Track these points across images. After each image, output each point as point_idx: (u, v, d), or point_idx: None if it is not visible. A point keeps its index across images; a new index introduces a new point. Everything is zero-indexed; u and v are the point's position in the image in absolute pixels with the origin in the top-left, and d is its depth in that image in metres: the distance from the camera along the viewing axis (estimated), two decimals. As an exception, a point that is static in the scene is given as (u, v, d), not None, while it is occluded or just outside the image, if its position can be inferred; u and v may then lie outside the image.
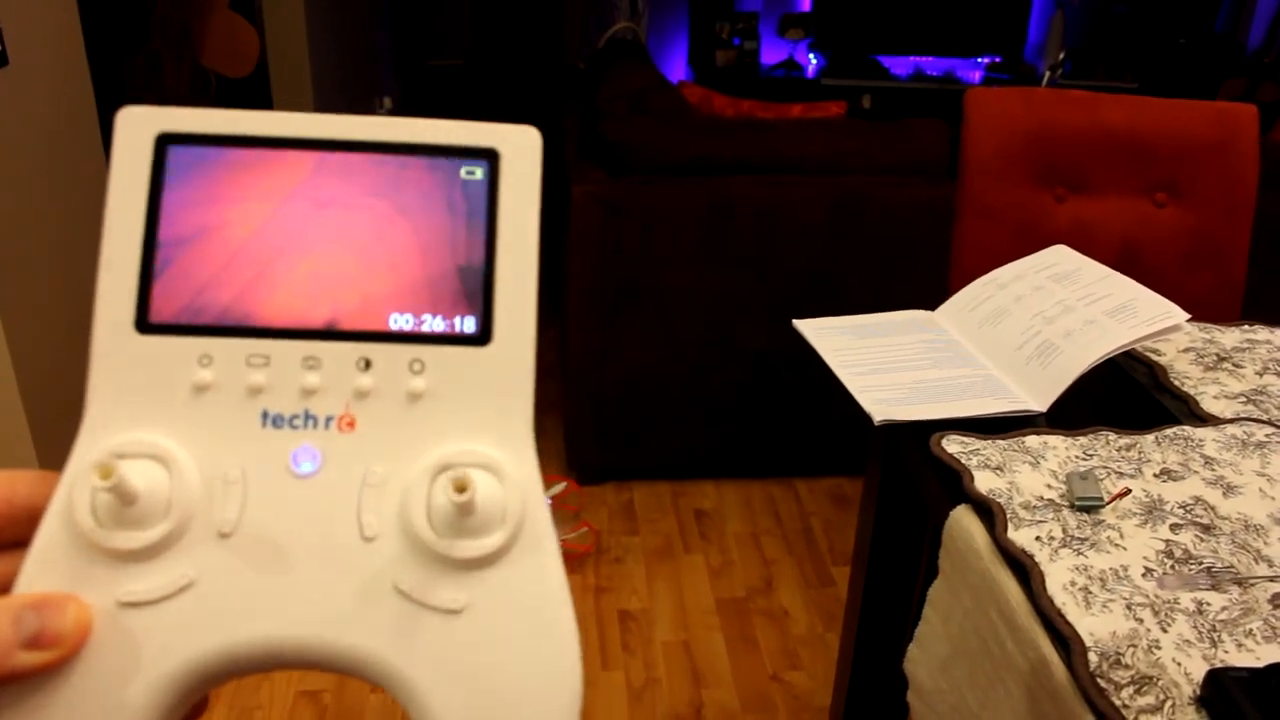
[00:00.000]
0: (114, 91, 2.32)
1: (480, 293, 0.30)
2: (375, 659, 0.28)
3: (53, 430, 1.65)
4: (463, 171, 0.31)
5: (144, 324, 0.29)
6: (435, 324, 0.30)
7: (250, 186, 0.30)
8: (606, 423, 2.26)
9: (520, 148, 0.31)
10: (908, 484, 1.10)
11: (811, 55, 4.69)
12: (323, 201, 0.30)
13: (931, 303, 1.22)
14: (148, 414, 0.29)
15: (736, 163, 2.11)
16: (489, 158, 0.31)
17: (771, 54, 4.72)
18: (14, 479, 0.30)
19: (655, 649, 1.86)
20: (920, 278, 2.11)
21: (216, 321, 0.29)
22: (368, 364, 0.30)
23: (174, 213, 0.30)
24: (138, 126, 0.30)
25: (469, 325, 0.30)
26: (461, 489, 0.27)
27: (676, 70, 4.84)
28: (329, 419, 0.29)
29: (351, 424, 0.29)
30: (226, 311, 0.30)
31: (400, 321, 0.30)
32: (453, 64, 5.14)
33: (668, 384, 2.23)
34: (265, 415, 0.29)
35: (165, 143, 0.30)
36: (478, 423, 0.30)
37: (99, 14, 2.15)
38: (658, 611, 1.95)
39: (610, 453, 2.31)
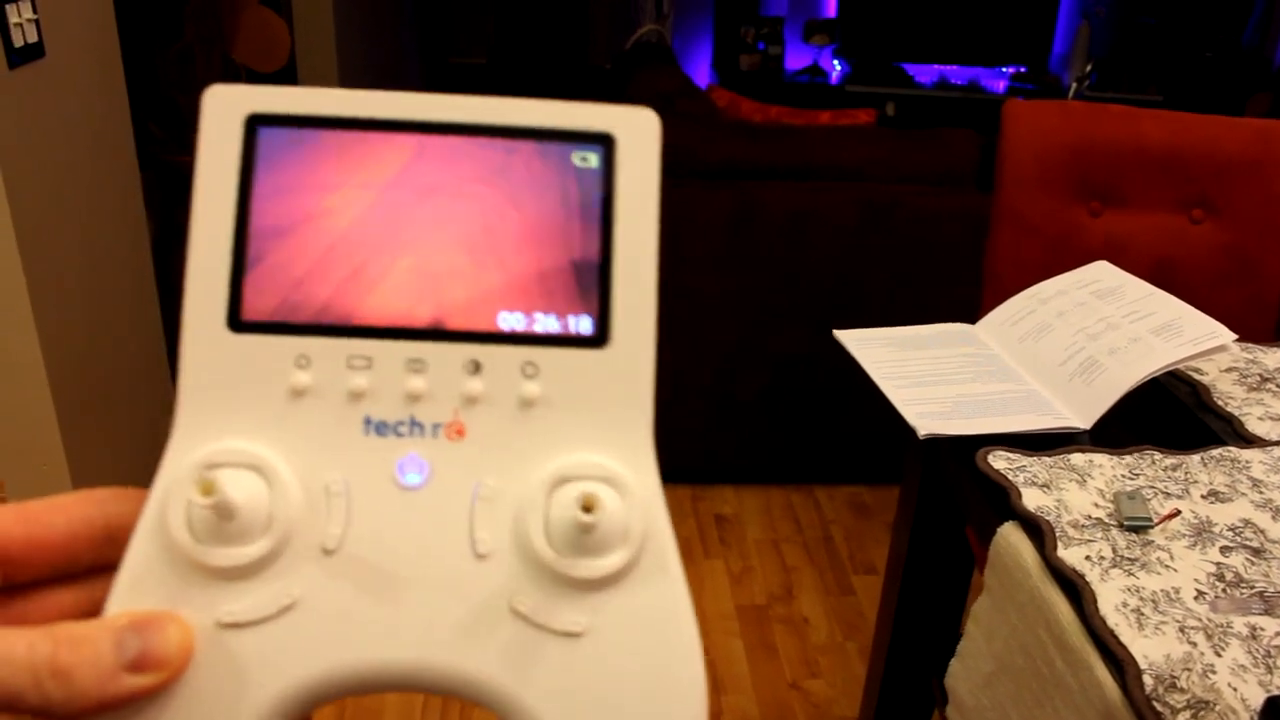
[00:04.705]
0: (146, 85, 2.33)
1: (596, 290, 0.28)
2: (490, 683, 0.27)
3: (80, 424, 1.65)
4: (576, 158, 0.28)
5: (237, 322, 0.27)
6: (549, 324, 0.28)
7: (348, 172, 0.28)
8: (628, 426, 2.25)
9: (638, 132, 0.29)
10: (942, 497, 1.09)
11: (836, 62, 4.68)
12: (426, 189, 0.28)
13: (959, 312, 1.21)
14: (242, 420, 0.27)
15: (765, 168, 2.11)
16: (604, 143, 0.28)
17: (796, 59, 4.72)
18: (103, 499, 0.28)
19: (675, 654, 1.85)
20: (948, 287, 2.10)
21: (314, 320, 0.27)
22: (477, 367, 0.27)
23: (267, 200, 0.27)
24: (226, 106, 0.28)
25: (585, 325, 0.28)
26: (590, 508, 0.26)
27: (700, 74, 4.84)
28: (436, 426, 0.27)
29: (461, 432, 0.27)
30: (325, 309, 0.27)
31: (511, 321, 0.28)
32: (475, 62, 5.14)
33: (690, 388, 2.23)
34: (368, 422, 0.27)
35: (256, 124, 0.28)
36: (596, 432, 0.28)
37: (133, 8, 2.15)
38: (678, 616, 1.95)
39: (631, 456, 2.30)
